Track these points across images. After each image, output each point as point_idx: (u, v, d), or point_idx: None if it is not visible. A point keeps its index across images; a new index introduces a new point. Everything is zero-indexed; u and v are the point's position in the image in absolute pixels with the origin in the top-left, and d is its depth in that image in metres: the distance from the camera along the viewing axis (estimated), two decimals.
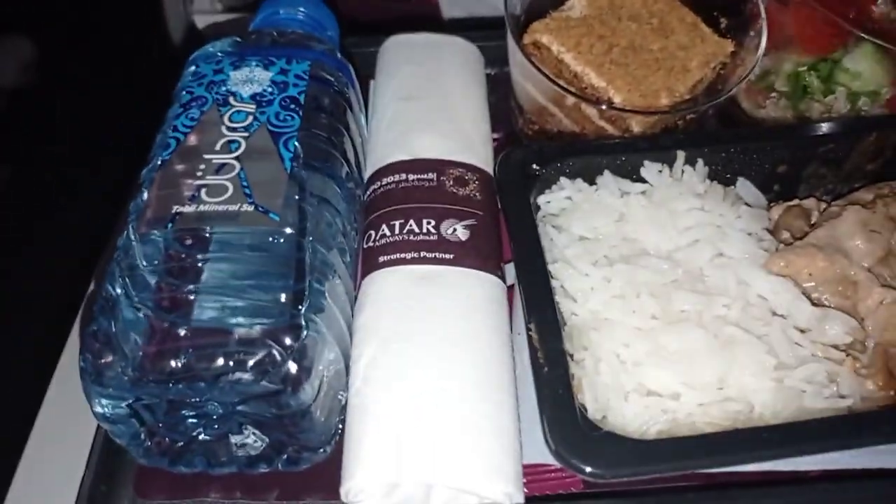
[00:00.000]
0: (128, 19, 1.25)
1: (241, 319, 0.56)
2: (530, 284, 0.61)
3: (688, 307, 0.62)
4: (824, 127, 0.73)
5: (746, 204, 0.73)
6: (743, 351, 0.59)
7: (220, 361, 0.54)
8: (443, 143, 0.78)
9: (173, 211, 0.60)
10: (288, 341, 0.54)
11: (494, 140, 0.86)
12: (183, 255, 0.59)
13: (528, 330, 0.58)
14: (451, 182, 0.75)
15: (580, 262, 0.65)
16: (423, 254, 0.68)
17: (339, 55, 0.78)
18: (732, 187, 0.73)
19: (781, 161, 0.73)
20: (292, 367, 0.54)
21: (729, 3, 0.81)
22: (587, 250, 0.65)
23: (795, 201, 0.74)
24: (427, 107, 0.82)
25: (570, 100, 0.75)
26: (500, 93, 0.89)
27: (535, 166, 0.70)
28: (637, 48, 0.77)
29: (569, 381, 0.55)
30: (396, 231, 0.70)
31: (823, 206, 0.73)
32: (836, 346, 0.63)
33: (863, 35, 0.72)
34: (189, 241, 0.59)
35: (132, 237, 0.60)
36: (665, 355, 0.59)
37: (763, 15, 0.76)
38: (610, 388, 0.58)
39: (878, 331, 0.64)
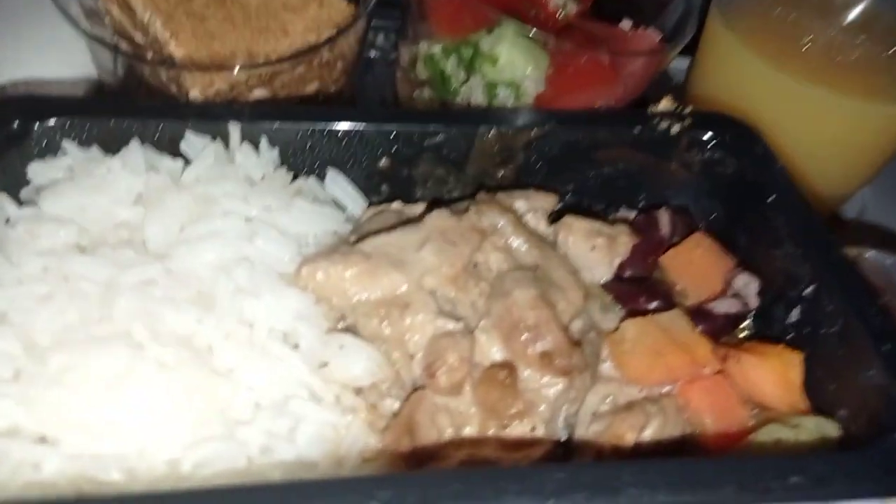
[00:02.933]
0: None
1: None
2: None
3: (131, 318, 0.43)
4: (426, 114, 0.57)
5: (339, 205, 0.56)
6: (183, 387, 0.41)
7: None
8: None
9: None
10: None
11: None
12: None
13: None
14: None
15: (16, 247, 0.46)
16: None
17: None
18: (319, 181, 0.57)
19: (382, 153, 0.57)
20: None
21: None
22: (36, 233, 0.47)
23: (395, 204, 0.58)
24: None
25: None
26: None
27: (22, 123, 0.51)
28: (229, 2, 0.61)
29: None
30: None
31: None
32: (358, 388, 0.46)
33: (500, 15, 0.58)
34: None
35: None
36: (54, 379, 0.40)
37: None
38: None
39: (421, 371, 0.47)
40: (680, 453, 0.46)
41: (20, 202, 0.50)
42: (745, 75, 0.67)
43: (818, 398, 0.47)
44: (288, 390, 0.44)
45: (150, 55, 0.58)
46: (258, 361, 0.44)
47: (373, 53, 0.76)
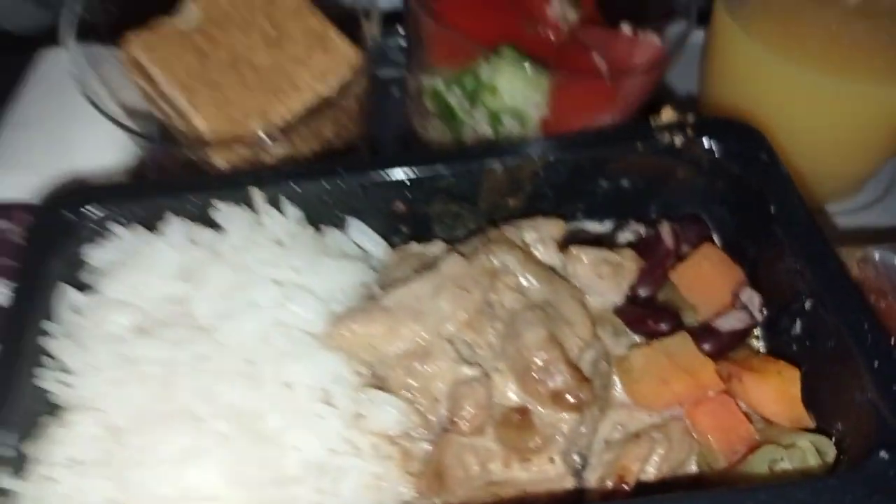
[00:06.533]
0: None
1: None
2: None
3: (191, 395, 0.50)
4: (432, 156, 0.60)
5: (362, 251, 0.61)
6: (239, 456, 0.47)
7: None
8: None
9: None
10: None
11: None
12: None
13: None
14: None
15: (87, 334, 0.53)
16: None
17: None
18: (339, 231, 0.61)
19: (395, 197, 0.61)
20: None
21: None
22: (101, 320, 0.53)
23: (414, 245, 0.62)
24: None
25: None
26: None
27: (82, 210, 0.58)
28: (238, 65, 0.64)
29: None
30: None
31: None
32: (391, 438, 0.52)
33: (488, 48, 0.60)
34: None
35: None
36: (136, 459, 0.47)
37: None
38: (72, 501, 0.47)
39: (449, 416, 0.52)
40: (688, 479, 0.50)
41: (80, 285, 0.57)
42: (758, 74, 0.67)
43: (818, 414, 0.51)
44: (330, 445, 0.50)
45: (176, 129, 0.63)
46: (302, 422, 0.50)
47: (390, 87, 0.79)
